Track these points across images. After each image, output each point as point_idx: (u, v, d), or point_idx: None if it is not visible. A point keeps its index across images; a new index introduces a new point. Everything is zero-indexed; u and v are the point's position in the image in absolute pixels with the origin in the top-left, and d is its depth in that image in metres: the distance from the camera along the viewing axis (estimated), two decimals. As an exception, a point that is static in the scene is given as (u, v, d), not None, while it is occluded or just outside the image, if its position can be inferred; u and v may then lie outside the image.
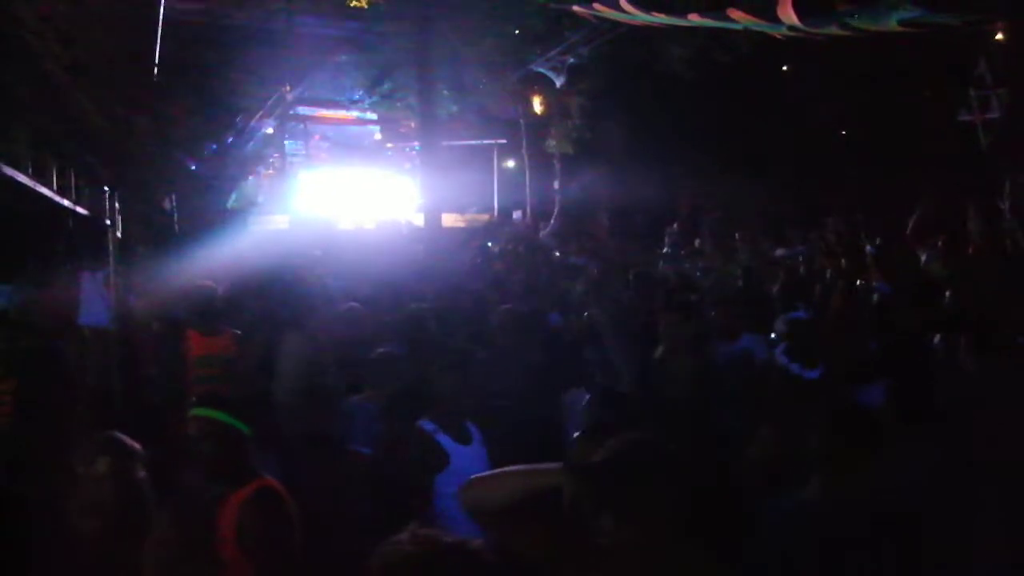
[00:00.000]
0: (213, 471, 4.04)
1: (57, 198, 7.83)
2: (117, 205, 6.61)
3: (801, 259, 13.33)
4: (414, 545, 2.29)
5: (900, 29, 11.23)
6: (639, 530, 2.53)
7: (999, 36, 13.78)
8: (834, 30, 11.58)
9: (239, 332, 7.31)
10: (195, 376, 6.93)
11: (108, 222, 6.94)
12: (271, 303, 8.30)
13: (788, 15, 10.55)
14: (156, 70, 5.75)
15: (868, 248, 12.11)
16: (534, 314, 7.25)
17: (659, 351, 6.18)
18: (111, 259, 6.84)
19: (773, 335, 7.01)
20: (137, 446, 4.06)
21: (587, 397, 5.08)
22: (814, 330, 5.06)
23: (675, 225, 19.84)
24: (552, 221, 22.53)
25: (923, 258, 11.71)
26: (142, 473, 4.00)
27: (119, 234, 6.49)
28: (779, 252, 14.73)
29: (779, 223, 19.89)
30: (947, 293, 8.08)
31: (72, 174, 8.57)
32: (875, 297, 8.76)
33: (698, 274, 11.52)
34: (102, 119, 5.27)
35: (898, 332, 6.64)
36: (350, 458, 5.00)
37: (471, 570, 2.29)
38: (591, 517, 2.56)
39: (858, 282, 8.22)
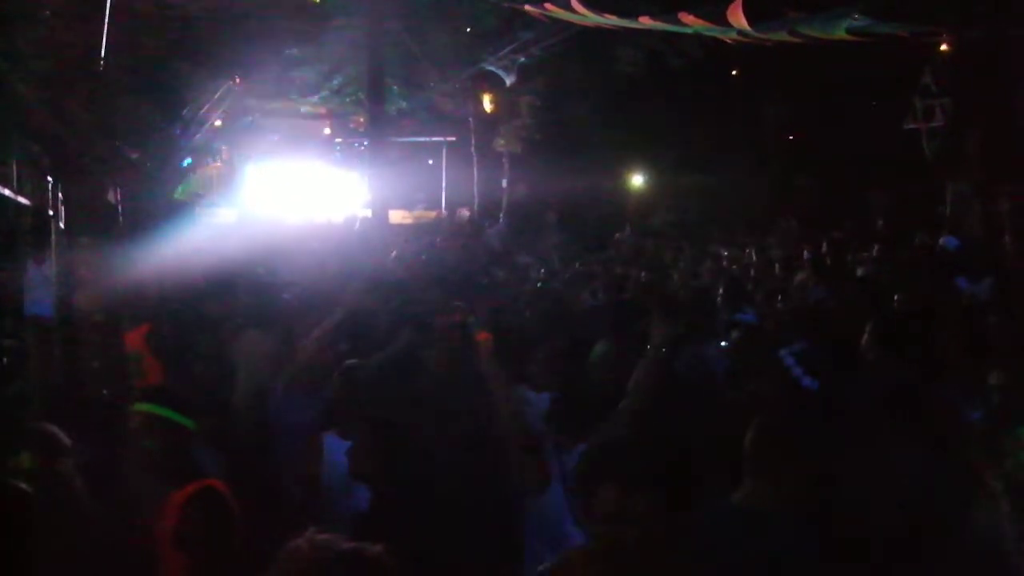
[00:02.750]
0: (155, 468, 3.96)
1: (-2, 188, 7.73)
2: (60, 195, 6.52)
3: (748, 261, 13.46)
4: (312, 551, 2.30)
5: (848, 38, 11.37)
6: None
7: (943, 47, 14.00)
8: (784, 36, 11.70)
9: (154, 325, 7.13)
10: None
11: (51, 212, 6.84)
12: (228, 300, 8.18)
13: (739, 20, 10.63)
14: (102, 58, 5.66)
15: (806, 253, 12.28)
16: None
17: (600, 349, 6.20)
18: (53, 250, 6.75)
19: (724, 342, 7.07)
20: (66, 439, 3.96)
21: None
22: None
23: (627, 229, 19.94)
24: (500, 219, 22.53)
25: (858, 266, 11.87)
26: (70, 467, 3.90)
27: (62, 224, 6.39)
28: (723, 253, 14.85)
29: (728, 225, 20.07)
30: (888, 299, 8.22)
31: (14, 164, 8.45)
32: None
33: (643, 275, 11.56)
34: (45, 108, 5.18)
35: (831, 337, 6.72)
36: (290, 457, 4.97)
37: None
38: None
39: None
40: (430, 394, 5.44)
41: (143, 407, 4.04)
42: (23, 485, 3.70)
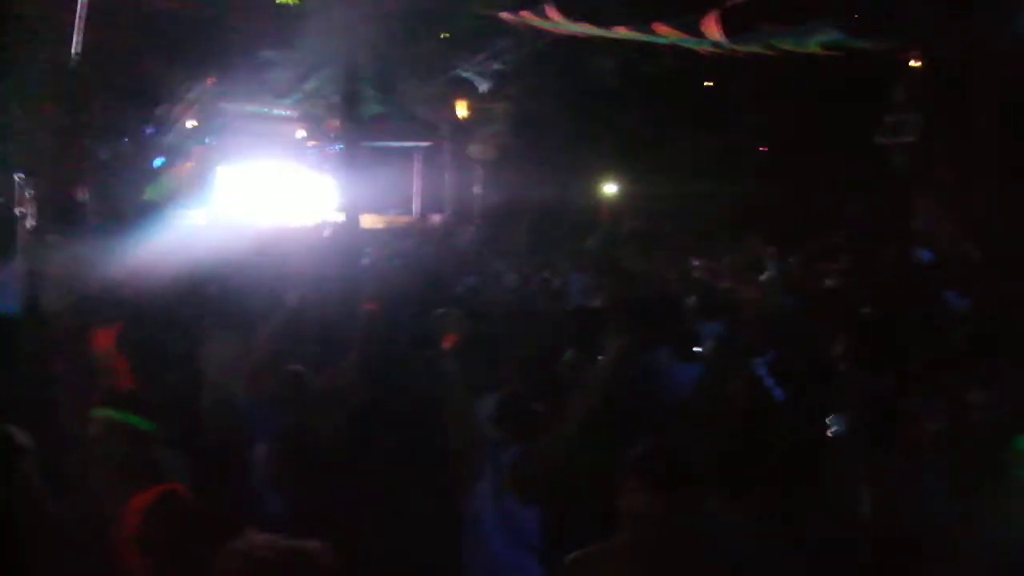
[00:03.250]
0: (116, 472, 3.92)
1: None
2: (28, 193, 6.48)
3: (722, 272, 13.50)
4: (250, 550, 2.30)
5: (821, 52, 11.46)
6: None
7: (913, 62, 14.12)
8: (758, 49, 11.78)
9: (126, 325, 7.07)
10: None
11: (18, 210, 6.78)
12: (197, 303, 8.13)
13: (713, 32, 10.70)
14: (72, 54, 5.63)
15: (770, 265, 12.34)
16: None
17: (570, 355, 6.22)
18: (20, 248, 6.70)
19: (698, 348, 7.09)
20: (25, 438, 3.92)
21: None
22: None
23: (596, 236, 19.94)
24: (471, 226, 22.52)
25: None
26: (30, 467, 3.85)
27: (30, 223, 6.35)
28: (696, 264, 14.90)
29: (701, 235, 20.14)
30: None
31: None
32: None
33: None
34: (15, 104, 5.15)
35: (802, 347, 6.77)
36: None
37: (308, 574, 2.31)
38: None
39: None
40: (375, 400, 5.42)
41: (103, 412, 3.98)
42: None
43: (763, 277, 11.76)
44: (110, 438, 3.90)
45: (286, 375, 5.51)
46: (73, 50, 5.63)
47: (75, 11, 5.51)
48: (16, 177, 6.73)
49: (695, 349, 7.27)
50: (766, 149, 26.92)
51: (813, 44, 10.99)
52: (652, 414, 5.65)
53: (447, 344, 5.41)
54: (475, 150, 24.05)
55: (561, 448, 4.61)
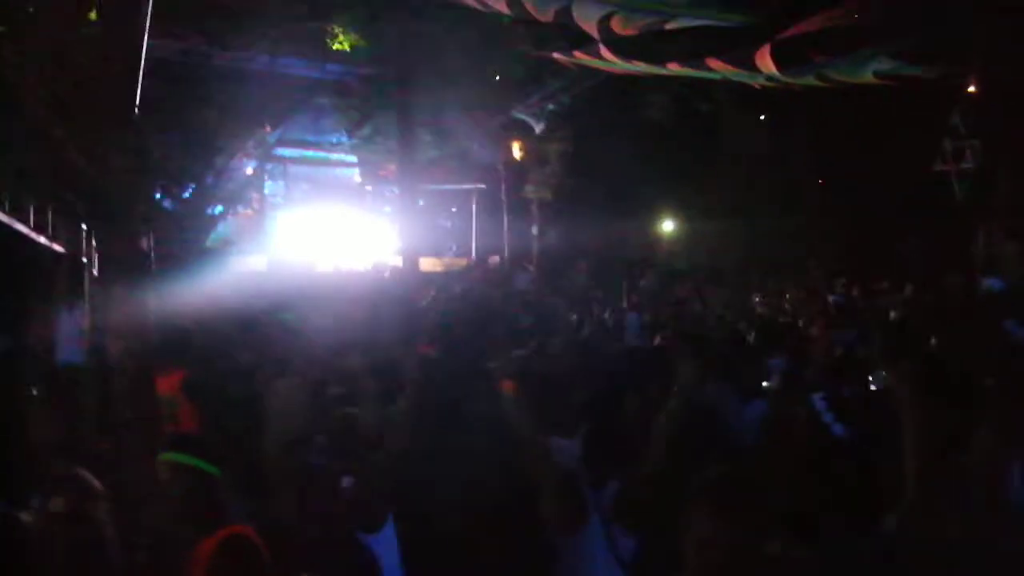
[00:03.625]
0: (183, 516, 3.95)
1: (34, 235, 7.80)
2: (94, 243, 6.59)
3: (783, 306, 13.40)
4: None
5: (875, 81, 11.37)
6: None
7: (971, 88, 13.97)
8: (811, 80, 11.72)
9: (190, 372, 7.15)
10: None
11: (84, 259, 6.91)
12: (259, 348, 8.20)
13: (766, 65, 10.66)
14: (136, 107, 5.73)
15: (834, 297, 12.20)
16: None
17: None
18: (86, 297, 6.81)
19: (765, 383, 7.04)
20: (99, 485, 3.96)
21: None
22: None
23: (650, 275, 19.90)
24: (530, 266, 22.56)
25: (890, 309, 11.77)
26: (103, 514, 3.89)
27: (95, 271, 6.46)
28: (756, 299, 14.80)
29: (759, 270, 20.01)
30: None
31: (49, 211, 8.56)
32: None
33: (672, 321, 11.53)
34: (81, 156, 5.24)
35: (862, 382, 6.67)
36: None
37: None
38: None
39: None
40: (449, 446, 5.42)
41: (169, 456, 4.01)
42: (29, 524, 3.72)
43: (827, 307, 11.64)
44: (177, 481, 3.93)
45: (341, 418, 5.49)
46: (135, 101, 5.74)
47: (135, 62, 5.62)
48: (81, 227, 6.88)
49: (762, 385, 7.22)
50: (822, 181, 26.71)
51: (867, 73, 10.91)
52: (718, 452, 5.61)
53: (509, 386, 5.40)
54: (531, 191, 24.13)
55: (655, 479, 4.62)
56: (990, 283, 12.24)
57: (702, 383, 5.56)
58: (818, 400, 4.74)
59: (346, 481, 4.82)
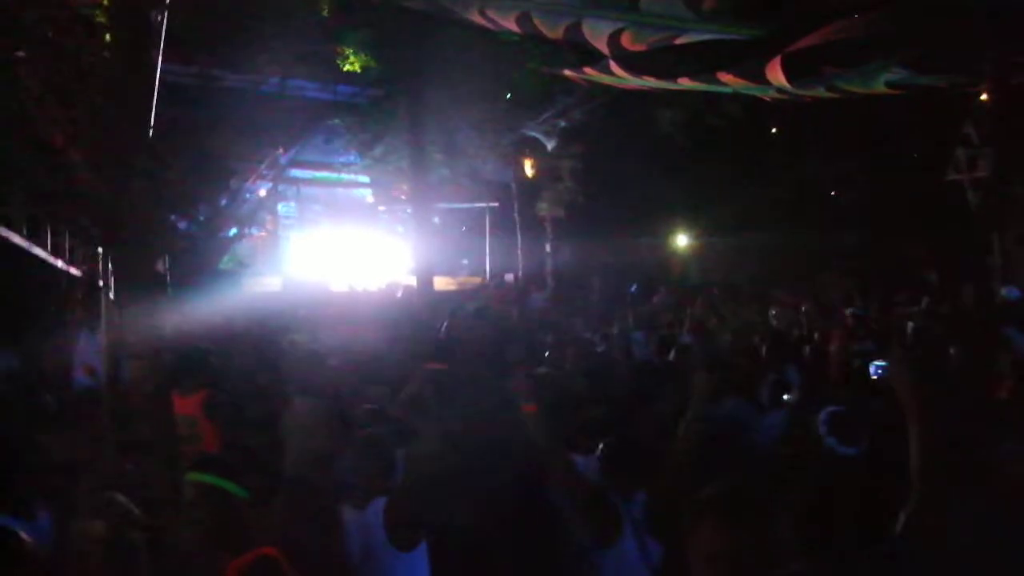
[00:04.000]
0: (210, 538, 3.95)
1: (51, 259, 7.85)
2: (110, 266, 6.62)
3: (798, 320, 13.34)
4: None
5: (887, 91, 11.35)
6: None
7: (983, 97, 13.93)
8: (822, 92, 11.70)
9: (213, 392, 7.18)
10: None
11: (100, 282, 6.93)
12: (275, 369, 8.22)
13: (777, 78, 10.65)
14: (151, 131, 5.78)
15: (852, 310, 12.16)
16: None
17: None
18: (103, 319, 6.83)
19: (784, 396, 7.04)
20: (135, 510, 3.98)
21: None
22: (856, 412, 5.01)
23: (662, 291, 19.86)
24: (544, 284, 22.55)
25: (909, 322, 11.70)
26: (139, 538, 3.91)
27: (111, 295, 6.49)
28: (772, 313, 14.76)
29: (771, 284, 19.95)
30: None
31: (66, 235, 8.61)
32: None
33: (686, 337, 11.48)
34: (97, 180, 5.28)
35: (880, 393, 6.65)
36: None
37: None
38: None
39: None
40: (475, 465, 5.42)
41: (195, 476, 4.00)
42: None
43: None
44: (204, 502, 3.93)
45: (364, 437, 5.48)
46: (150, 125, 5.79)
47: (150, 85, 5.67)
48: (98, 250, 6.90)
49: (781, 397, 7.21)
50: (835, 193, 26.68)
51: (879, 83, 10.88)
52: (735, 464, 5.61)
53: (530, 408, 5.42)
54: (544, 208, 24.15)
55: (677, 489, 4.63)
56: (1008, 292, 12.21)
57: (717, 397, 5.57)
58: (821, 421, 4.71)
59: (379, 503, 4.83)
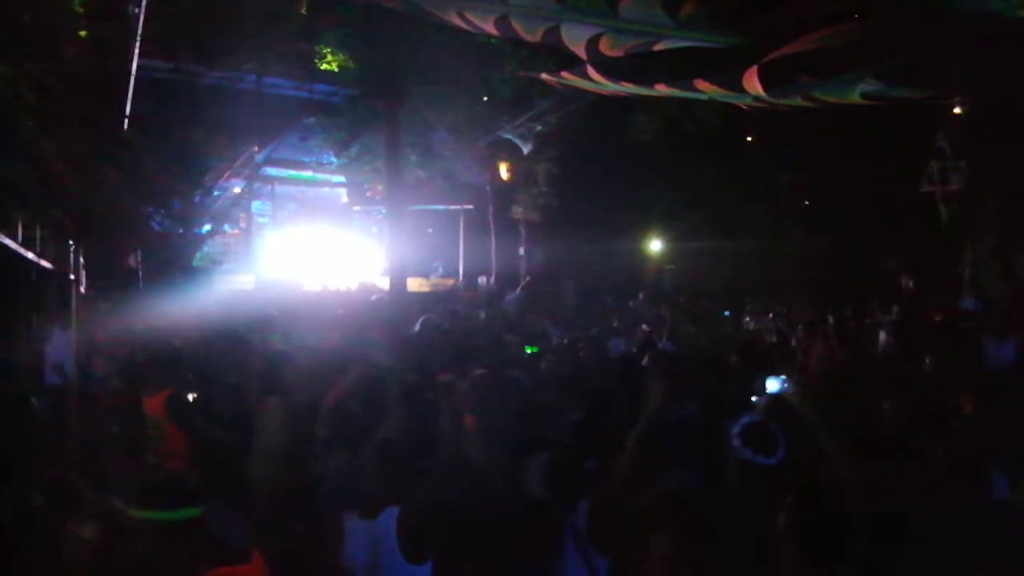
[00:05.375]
0: (170, 564, 3.82)
1: (21, 251, 7.76)
2: (82, 259, 6.57)
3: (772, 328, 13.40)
4: None
5: (863, 102, 11.41)
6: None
7: (956, 110, 14.07)
8: (798, 101, 11.75)
9: (175, 392, 7.07)
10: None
11: (71, 276, 6.87)
12: (245, 367, 8.14)
13: (754, 86, 10.69)
14: (125, 125, 5.74)
15: (830, 321, 12.22)
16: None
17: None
18: (73, 314, 6.77)
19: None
20: (126, 514, 3.90)
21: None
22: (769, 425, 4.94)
23: (640, 296, 19.87)
24: (519, 290, 22.51)
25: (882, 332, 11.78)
26: (131, 542, 3.83)
27: (83, 289, 6.44)
28: (747, 320, 14.83)
29: (745, 292, 20.02)
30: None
31: (38, 228, 8.52)
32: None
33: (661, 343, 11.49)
34: (70, 172, 5.24)
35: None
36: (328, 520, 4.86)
37: None
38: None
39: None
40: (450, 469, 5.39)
41: (140, 514, 3.83)
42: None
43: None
44: (155, 537, 3.80)
45: (378, 445, 5.31)
46: (125, 118, 5.75)
47: (124, 81, 5.63)
48: (69, 244, 6.85)
49: (749, 401, 7.23)
50: (809, 202, 26.85)
51: (854, 94, 10.95)
52: (687, 471, 5.63)
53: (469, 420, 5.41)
54: (518, 211, 24.14)
55: (621, 499, 4.59)
56: (967, 303, 12.34)
57: (670, 404, 5.56)
58: (735, 434, 4.66)
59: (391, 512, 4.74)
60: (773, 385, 7.44)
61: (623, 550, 3.41)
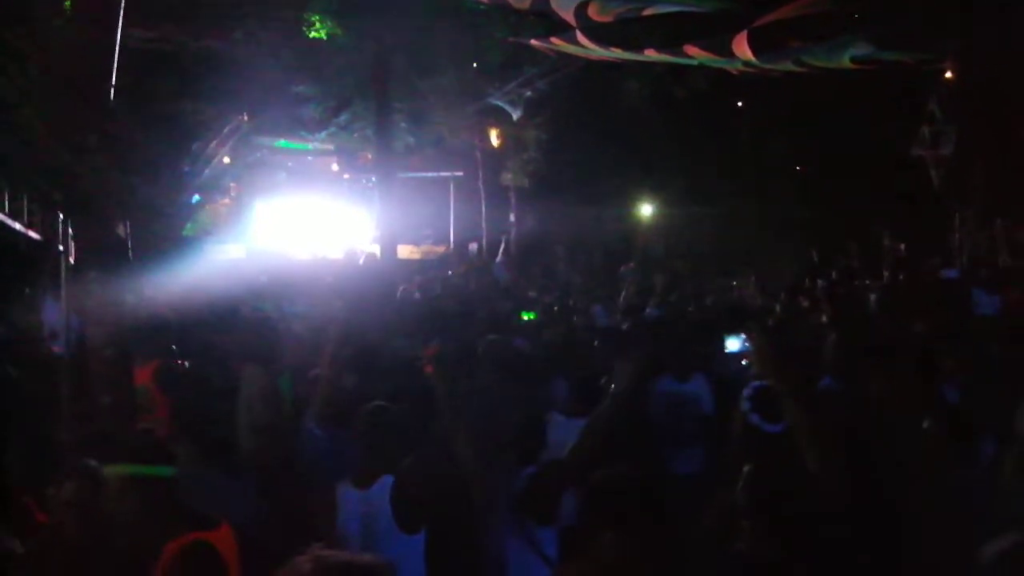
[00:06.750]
0: (143, 526, 3.83)
1: (9, 221, 7.74)
2: (70, 230, 6.55)
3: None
4: (311, 564, 2.33)
5: (853, 66, 11.41)
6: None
7: (948, 74, 14.03)
8: (788, 66, 11.75)
9: (164, 362, 7.06)
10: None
11: (61, 247, 6.85)
12: (234, 335, 8.11)
13: (743, 51, 10.68)
14: (112, 94, 5.70)
15: (820, 283, 12.24)
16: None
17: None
18: (63, 284, 6.76)
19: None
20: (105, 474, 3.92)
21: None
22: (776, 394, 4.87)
23: (631, 264, 19.85)
24: (500, 255, 22.44)
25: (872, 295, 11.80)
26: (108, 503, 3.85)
27: (72, 259, 6.42)
28: (733, 283, 14.86)
29: (734, 256, 20.06)
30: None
31: (25, 198, 8.49)
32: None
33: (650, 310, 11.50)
34: (56, 142, 5.21)
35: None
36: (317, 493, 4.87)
37: None
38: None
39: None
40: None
41: (116, 469, 3.85)
42: None
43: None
44: (129, 495, 3.81)
45: (370, 411, 5.28)
46: (111, 90, 5.70)
47: (111, 49, 5.58)
48: (58, 215, 6.82)
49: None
50: (800, 168, 26.84)
51: (844, 58, 10.94)
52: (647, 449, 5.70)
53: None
54: (508, 177, 24.09)
55: (567, 470, 4.60)
56: (947, 273, 12.38)
57: (646, 376, 5.57)
58: (745, 397, 4.65)
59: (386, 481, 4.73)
60: (733, 344, 7.51)
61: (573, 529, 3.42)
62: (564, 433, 5.17)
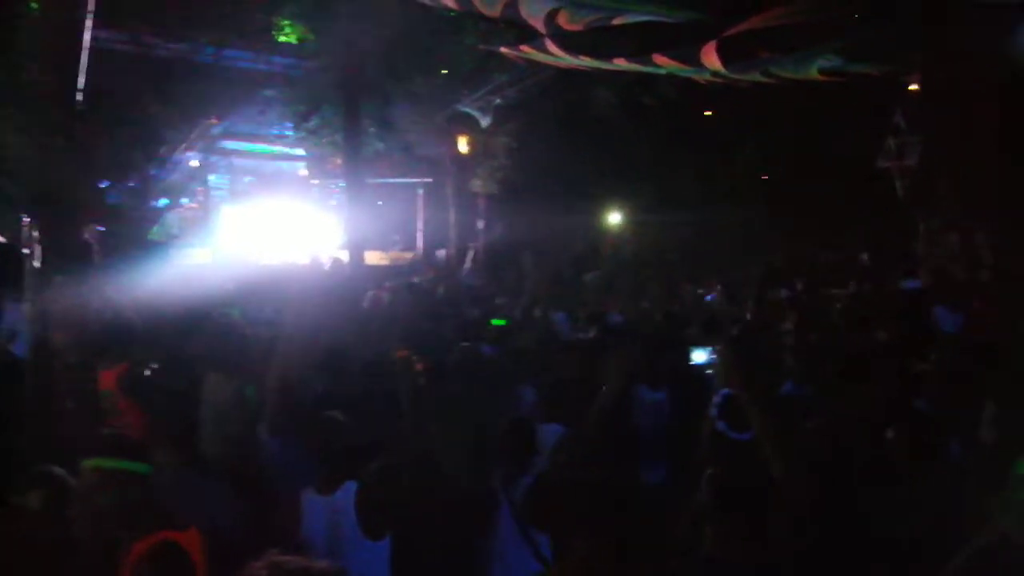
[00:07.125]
0: (115, 522, 3.82)
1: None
2: (35, 233, 6.50)
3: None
4: (265, 570, 2.34)
5: (820, 77, 11.51)
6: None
7: (914, 86, 14.16)
8: (757, 76, 11.82)
9: (129, 367, 7.02)
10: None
11: (26, 250, 6.80)
12: (199, 341, 8.06)
13: (712, 62, 10.74)
14: (79, 96, 5.66)
15: (784, 292, 12.32)
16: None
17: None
18: (28, 288, 6.70)
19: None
20: (72, 482, 3.90)
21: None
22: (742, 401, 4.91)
23: (597, 272, 19.92)
24: (467, 262, 22.44)
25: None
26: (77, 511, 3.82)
27: (36, 263, 6.37)
28: (700, 291, 14.92)
29: (703, 262, 20.15)
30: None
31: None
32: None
33: (615, 317, 11.53)
34: (21, 144, 5.18)
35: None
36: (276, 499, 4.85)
37: None
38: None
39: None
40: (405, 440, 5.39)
41: (93, 462, 3.84)
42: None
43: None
44: (106, 488, 3.79)
45: (327, 422, 5.27)
46: (78, 92, 5.66)
47: (77, 52, 5.55)
48: (22, 217, 6.77)
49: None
50: (767, 176, 27.02)
51: (812, 70, 11.03)
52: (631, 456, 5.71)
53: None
54: (477, 184, 24.09)
55: (564, 477, 4.61)
56: (908, 285, 12.51)
57: (628, 383, 5.59)
58: (714, 404, 4.69)
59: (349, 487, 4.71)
60: (700, 356, 7.57)
61: (560, 531, 3.44)
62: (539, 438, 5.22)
